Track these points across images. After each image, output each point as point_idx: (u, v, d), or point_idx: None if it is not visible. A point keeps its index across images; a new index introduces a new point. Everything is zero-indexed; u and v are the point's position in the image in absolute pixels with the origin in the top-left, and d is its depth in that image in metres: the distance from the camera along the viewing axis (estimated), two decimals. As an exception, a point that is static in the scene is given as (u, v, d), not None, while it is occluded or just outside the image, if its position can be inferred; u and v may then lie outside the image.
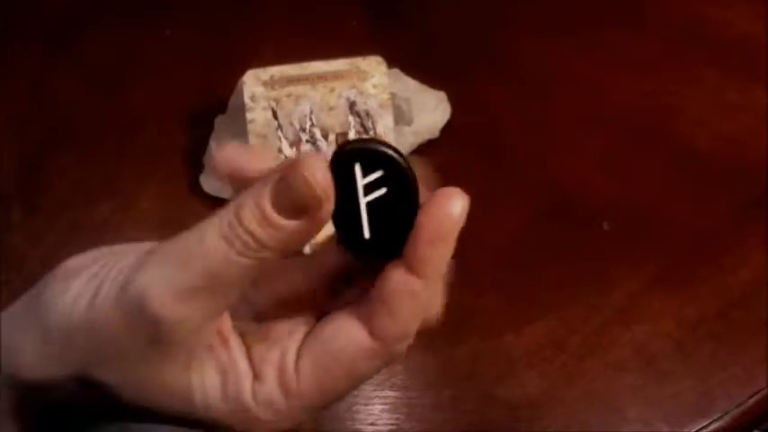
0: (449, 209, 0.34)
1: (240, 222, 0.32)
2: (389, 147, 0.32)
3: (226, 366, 0.35)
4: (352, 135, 0.60)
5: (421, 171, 0.34)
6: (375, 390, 0.58)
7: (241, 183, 0.34)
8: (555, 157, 0.67)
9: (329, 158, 0.32)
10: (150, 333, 0.33)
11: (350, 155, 0.32)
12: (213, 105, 0.67)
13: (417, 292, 0.33)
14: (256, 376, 0.35)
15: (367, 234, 0.32)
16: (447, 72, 0.70)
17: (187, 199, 0.66)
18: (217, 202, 0.65)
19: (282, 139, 0.60)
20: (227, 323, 0.35)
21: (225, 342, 0.35)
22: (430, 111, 0.67)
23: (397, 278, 0.33)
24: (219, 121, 0.66)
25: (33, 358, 0.35)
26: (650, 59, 0.71)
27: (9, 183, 0.68)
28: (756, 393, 0.56)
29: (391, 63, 0.63)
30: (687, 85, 0.69)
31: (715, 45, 0.71)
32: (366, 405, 0.58)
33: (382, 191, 0.32)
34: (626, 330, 0.59)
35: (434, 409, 0.57)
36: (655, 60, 0.71)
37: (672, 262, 0.61)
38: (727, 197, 0.64)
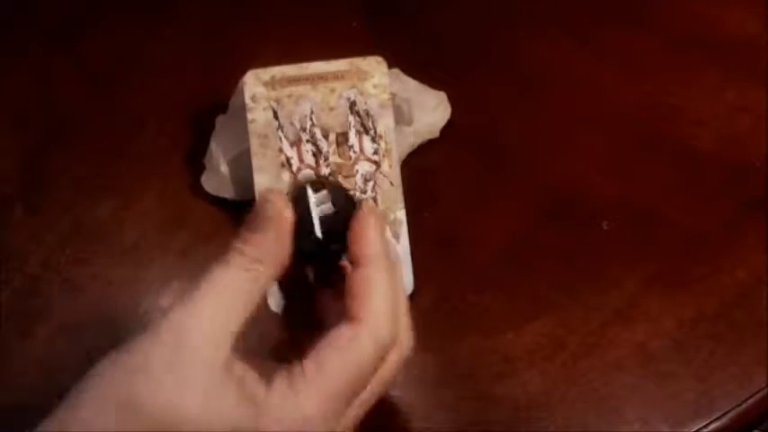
0: (370, 222, 0.44)
1: (240, 250, 0.42)
2: (329, 178, 0.51)
3: (244, 381, 0.40)
4: (352, 135, 0.60)
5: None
6: (375, 389, 0.58)
7: None
8: (555, 156, 0.67)
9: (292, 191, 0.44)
10: (176, 343, 0.40)
11: (303, 184, 0.44)
12: (213, 105, 0.67)
13: (371, 274, 0.43)
14: (267, 385, 0.41)
15: (319, 234, 0.43)
16: (447, 72, 0.70)
17: (187, 199, 0.66)
18: (217, 202, 0.65)
19: (283, 139, 0.60)
20: (240, 364, 0.41)
21: (246, 371, 0.41)
22: (430, 111, 0.67)
23: (350, 273, 0.43)
24: (220, 121, 0.66)
25: None
26: (650, 59, 0.71)
27: (9, 183, 0.68)
28: (756, 393, 0.56)
29: (391, 63, 0.63)
30: (687, 85, 0.69)
31: (715, 45, 0.71)
32: (366, 405, 0.58)
33: (329, 205, 0.44)
34: (625, 330, 0.59)
35: (434, 409, 0.57)
36: (655, 60, 0.71)
37: (671, 262, 0.61)
38: (727, 197, 0.64)
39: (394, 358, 0.44)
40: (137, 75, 0.73)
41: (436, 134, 0.67)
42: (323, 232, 0.43)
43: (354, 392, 0.42)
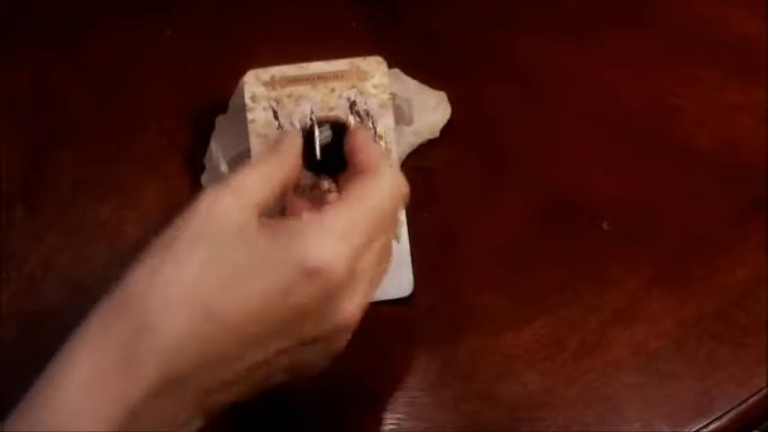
0: (360, 134, 0.54)
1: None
2: (335, 118, 0.59)
3: (274, 224, 0.46)
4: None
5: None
6: (375, 389, 0.58)
7: None
8: (555, 156, 0.67)
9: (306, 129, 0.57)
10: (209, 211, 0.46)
11: (312, 123, 0.58)
12: (213, 105, 0.67)
13: (375, 151, 0.52)
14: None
15: (318, 156, 0.55)
16: (447, 72, 0.70)
17: (187, 199, 0.65)
18: (217, 202, 0.65)
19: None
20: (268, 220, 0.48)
21: (274, 221, 0.48)
22: (430, 111, 0.67)
23: (357, 156, 0.52)
24: (220, 121, 0.66)
25: None
26: (650, 59, 0.71)
27: (9, 183, 0.68)
28: (756, 393, 0.56)
29: (391, 63, 0.63)
30: (687, 85, 0.69)
31: (715, 45, 0.71)
32: (366, 405, 0.58)
33: (329, 134, 0.56)
34: (625, 330, 0.59)
35: (435, 409, 0.57)
36: (655, 60, 0.71)
37: (671, 261, 0.61)
38: (727, 197, 0.64)
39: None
40: (137, 75, 0.73)
41: (436, 134, 0.67)
42: (322, 156, 0.56)
43: (376, 230, 0.47)
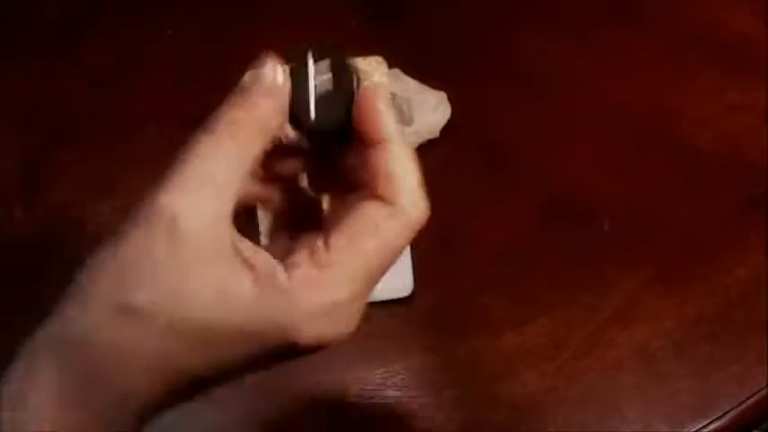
0: (378, 104, 0.40)
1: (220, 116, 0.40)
2: (336, 45, 0.40)
3: (254, 263, 0.36)
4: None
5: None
6: (375, 390, 0.58)
7: None
8: (555, 156, 0.67)
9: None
10: (168, 229, 0.35)
11: (305, 49, 0.39)
12: (213, 105, 0.67)
13: (395, 151, 0.39)
14: (288, 267, 0.36)
15: (313, 114, 0.39)
16: (447, 72, 0.70)
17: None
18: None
19: (283, 138, 0.60)
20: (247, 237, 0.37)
21: (251, 248, 0.37)
22: (430, 111, 0.67)
23: (374, 153, 0.39)
24: (219, 121, 0.66)
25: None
26: (650, 59, 0.71)
27: (9, 183, 0.68)
28: (755, 393, 0.56)
29: (391, 63, 0.63)
30: (687, 84, 0.69)
31: (715, 45, 0.71)
32: (366, 405, 0.58)
33: (328, 77, 0.39)
34: (625, 330, 0.59)
35: (435, 409, 0.57)
36: (655, 60, 0.71)
37: (671, 262, 0.61)
38: (727, 197, 0.64)
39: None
40: (137, 75, 0.73)
41: (436, 134, 0.67)
42: (318, 109, 0.39)
43: (383, 272, 0.38)
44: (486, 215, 0.65)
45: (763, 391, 0.56)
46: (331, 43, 0.40)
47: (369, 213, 0.38)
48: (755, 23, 0.72)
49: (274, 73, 0.39)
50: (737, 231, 0.62)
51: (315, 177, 0.44)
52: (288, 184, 0.44)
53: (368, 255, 0.37)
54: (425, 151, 0.67)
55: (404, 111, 0.65)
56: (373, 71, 0.61)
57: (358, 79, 0.41)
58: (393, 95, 0.62)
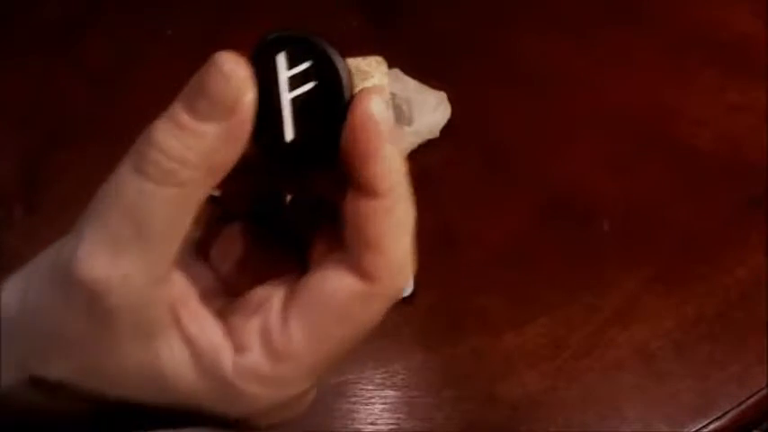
0: (369, 109, 0.30)
1: (151, 143, 0.30)
2: (319, 37, 0.28)
3: (195, 339, 0.30)
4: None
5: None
6: (375, 390, 0.58)
7: None
8: (555, 156, 0.67)
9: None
10: (90, 304, 0.28)
11: (275, 44, 0.28)
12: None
13: (390, 207, 0.29)
14: (237, 348, 0.30)
15: (290, 135, 0.28)
16: (447, 72, 0.70)
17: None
18: (217, 201, 0.65)
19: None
20: (192, 296, 0.31)
21: (193, 315, 0.30)
22: (430, 111, 0.67)
23: (365, 204, 0.29)
24: (219, 121, 0.66)
25: None
26: (650, 59, 0.71)
27: (9, 183, 0.68)
28: (755, 393, 0.56)
29: (391, 63, 0.63)
30: (687, 84, 0.69)
31: (715, 45, 0.71)
32: (366, 405, 0.58)
33: (310, 85, 0.28)
34: (625, 330, 0.59)
35: (435, 409, 0.57)
36: (655, 60, 0.71)
37: (671, 262, 0.61)
38: (727, 197, 0.64)
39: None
40: (137, 75, 0.73)
41: (436, 134, 0.67)
42: (297, 132, 0.29)
43: (348, 354, 0.32)
44: (486, 215, 0.65)
45: (763, 391, 0.56)
46: (310, 33, 0.29)
47: (341, 295, 0.30)
48: (755, 23, 0.72)
49: (232, 84, 0.29)
50: (737, 231, 0.62)
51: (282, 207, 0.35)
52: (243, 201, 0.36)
53: (333, 342, 0.31)
54: (425, 151, 0.67)
55: (404, 111, 0.65)
56: (373, 71, 0.61)
57: (351, 85, 0.31)
58: (393, 95, 0.62)
